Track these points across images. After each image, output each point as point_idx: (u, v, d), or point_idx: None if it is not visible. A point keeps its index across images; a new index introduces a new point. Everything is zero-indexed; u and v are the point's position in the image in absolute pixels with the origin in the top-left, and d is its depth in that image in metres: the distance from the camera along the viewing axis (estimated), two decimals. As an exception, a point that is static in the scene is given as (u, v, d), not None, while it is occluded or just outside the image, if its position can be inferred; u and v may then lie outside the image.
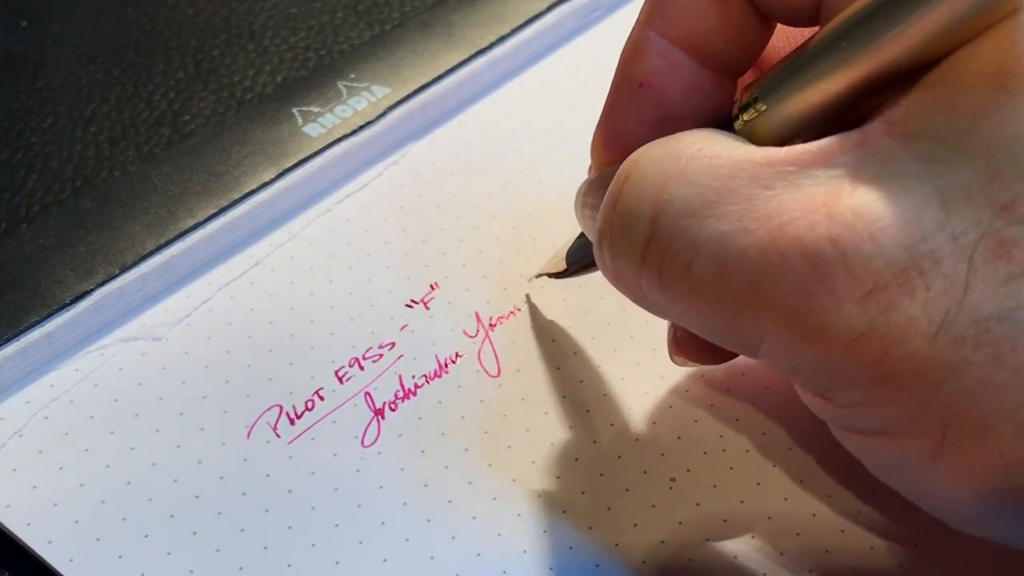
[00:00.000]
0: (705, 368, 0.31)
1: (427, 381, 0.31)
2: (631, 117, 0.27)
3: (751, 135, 0.24)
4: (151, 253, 0.33)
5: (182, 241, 0.34)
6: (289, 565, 0.27)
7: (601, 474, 0.29)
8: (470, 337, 0.33)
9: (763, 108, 0.24)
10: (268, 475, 0.29)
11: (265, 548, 0.28)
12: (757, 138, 0.24)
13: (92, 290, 0.32)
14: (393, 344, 0.32)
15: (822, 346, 0.21)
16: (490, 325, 0.33)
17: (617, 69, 0.27)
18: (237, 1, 0.45)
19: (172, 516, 0.28)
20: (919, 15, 0.21)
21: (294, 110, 0.38)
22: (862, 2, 0.22)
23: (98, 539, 0.28)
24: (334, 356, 0.32)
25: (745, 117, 0.24)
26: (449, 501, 0.29)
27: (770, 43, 0.27)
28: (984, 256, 0.20)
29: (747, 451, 0.30)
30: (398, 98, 0.38)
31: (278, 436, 0.30)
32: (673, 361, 0.30)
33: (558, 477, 0.29)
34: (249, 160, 0.36)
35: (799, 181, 0.22)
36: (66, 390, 0.31)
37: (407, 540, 0.28)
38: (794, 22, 0.26)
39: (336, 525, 0.28)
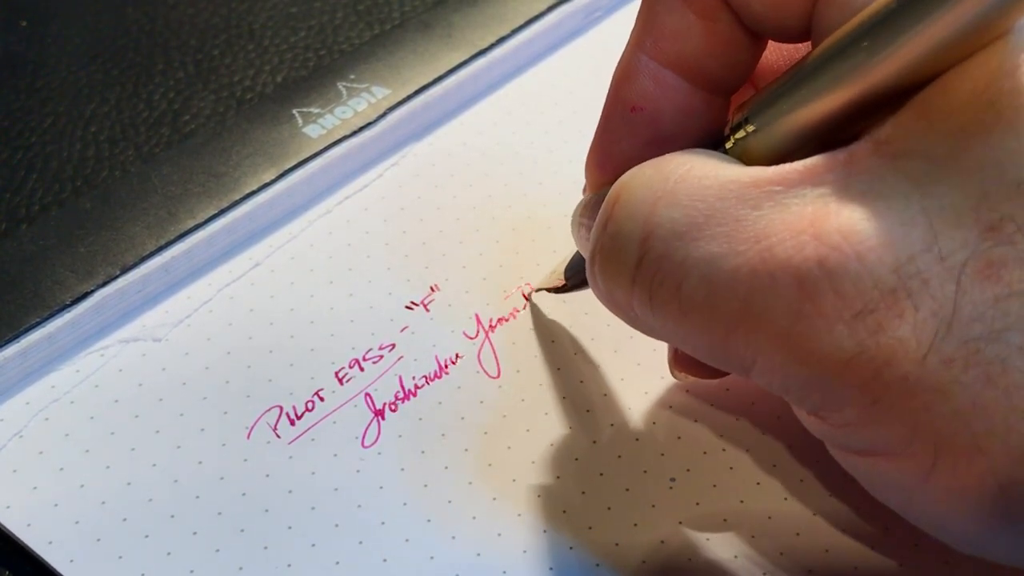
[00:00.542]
0: (694, 380, 0.31)
1: (427, 382, 0.31)
2: (624, 139, 0.27)
3: (742, 155, 0.24)
4: (151, 254, 0.33)
5: (182, 242, 0.34)
6: (289, 565, 0.27)
7: (601, 474, 0.29)
8: (470, 338, 0.33)
9: (752, 129, 0.24)
10: (268, 475, 0.29)
11: (265, 548, 0.28)
12: (748, 158, 0.24)
13: (92, 291, 0.32)
14: (393, 345, 0.32)
15: (813, 368, 0.21)
16: (490, 327, 0.33)
17: (609, 92, 0.27)
18: (237, 1, 0.45)
19: (172, 516, 0.28)
20: (908, 37, 0.21)
21: (294, 111, 0.38)
22: (852, 24, 0.22)
23: (98, 539, 0.28)
24: (334, 357, 0.32)
25: (736, 137, 0.24)
26: (449, 501, 0.29)
27: (764, 58, 0.27)
28: (972, 277, 0.20)
29: (747, 451, 0.30)
30: (398, 99, 0.38)
31: (278, 437, 0.30)
32: (674, 376, 0.30)
33: (558, 477, 0.29)
34: (249, 161, 0.36)
35: (786, 201, 0.22)
36: (66, 391, 0.31)
37: (407, 540, 0.28)
38: (784, 38, 0.26)
39: (336, 525, 0.28)
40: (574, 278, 0.31)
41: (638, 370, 0.32)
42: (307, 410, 0.31)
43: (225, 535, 0.28)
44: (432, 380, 0.31)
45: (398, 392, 0.31)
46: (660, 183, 0.23)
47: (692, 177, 0.23)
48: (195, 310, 0.33)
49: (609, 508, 0.28)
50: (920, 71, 0.21)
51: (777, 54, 0.28)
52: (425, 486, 0.29)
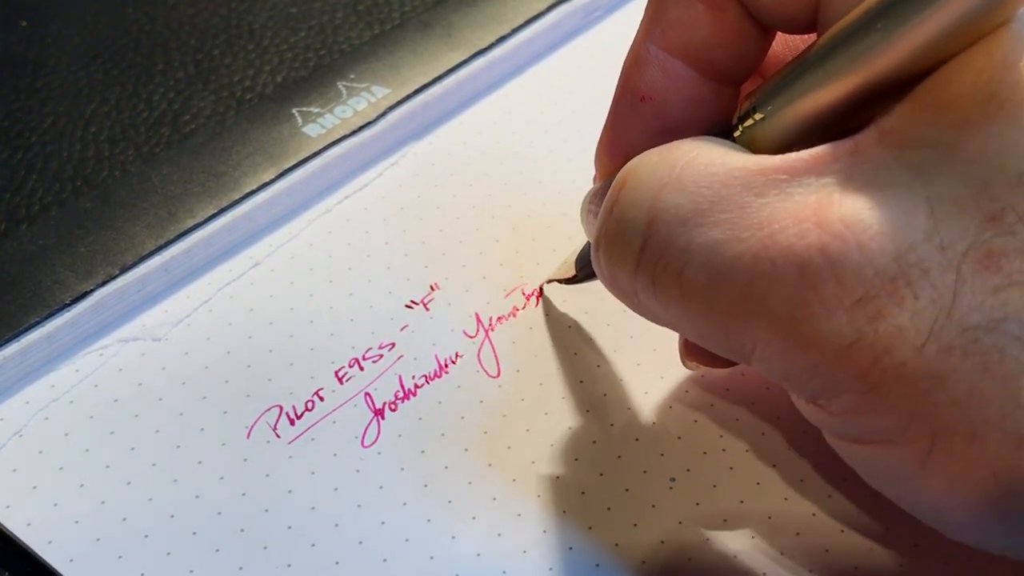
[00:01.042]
0: (706, 368, 0.31)
1: (427, 381, 0.31)
2: (633, 129, 0.27)
3: (750, 143, 0.24)
4: (151, 254, 0.33)
5: (182, 242, 0.34)
6: (289, 565, 0.27)
7: (601, 474, 0.29)
8: (470, 337, 0.33)
9: (760, 117, 0.24)
10: (268, 475, 0.29)
11: (265, 548, 0.28)
12: (755, 146, 0.24)
13: (92, 291, 0.32)
14: (393, 344, 0.32)
15: (813, 354, 0.21)
16: (490, 326, 0.33)
17: (618, 82, 0.27)
18: (237, 1, 0.45)
19: (172, 516, 0.28)
20: (911, 27, 0.21)
21: (294, 110, 0.38)
22: (855, 13, 0.22)
23: (98, 539, 0.28)
24: (334, 357, 0.32)
25: (744, 126, 0.25)
26: (449, 501, 0.29)
27: (773, 50, 0.27)
28: (972, 266, 0.21)
29: (747, 451, 0.30)
30: (398, 98, 0.38)
31: (278, 436, 0.30)
32: (685, 365, 0.30)
33: (558, 477, 0.29)
34: (249, 160, 0.36)
35: (791, 190, 0.22)
36: (66, 390, 0.31)
37: (407, 540, 0.28)
38: (791, 29, 0.26)
39: (336, 525, 0.28)
40: (585, 269, 0.31)
41: (638, 370, 0.32)
42: (307, 410, 0.31)
43: (225, 535, 0.28)
44: (432, 379, 0.31)
45: (398, 391, 0.31)
46: (666, 169, 0.23)
47: (698, 164, 0.23)
48: (195, 309, 0.33)
49: (609, 508, 0.28)
50: (923, 59, 0.21)
51: (786, 46, 0.28)
52: (425, 486, 0.29)
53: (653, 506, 0.28)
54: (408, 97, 0.38)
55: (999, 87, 0.21)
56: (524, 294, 0.34)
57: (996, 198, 0.21)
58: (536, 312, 0.33)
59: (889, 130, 0.22)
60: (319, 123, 0.37)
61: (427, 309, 0.33)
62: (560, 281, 0.33)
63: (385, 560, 0.27)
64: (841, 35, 0.22)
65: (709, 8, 0.26)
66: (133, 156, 0.39)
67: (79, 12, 0.44)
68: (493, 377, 0.32)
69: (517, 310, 0.33)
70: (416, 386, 0.31)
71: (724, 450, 0.30)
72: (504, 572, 0.27)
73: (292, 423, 0.30)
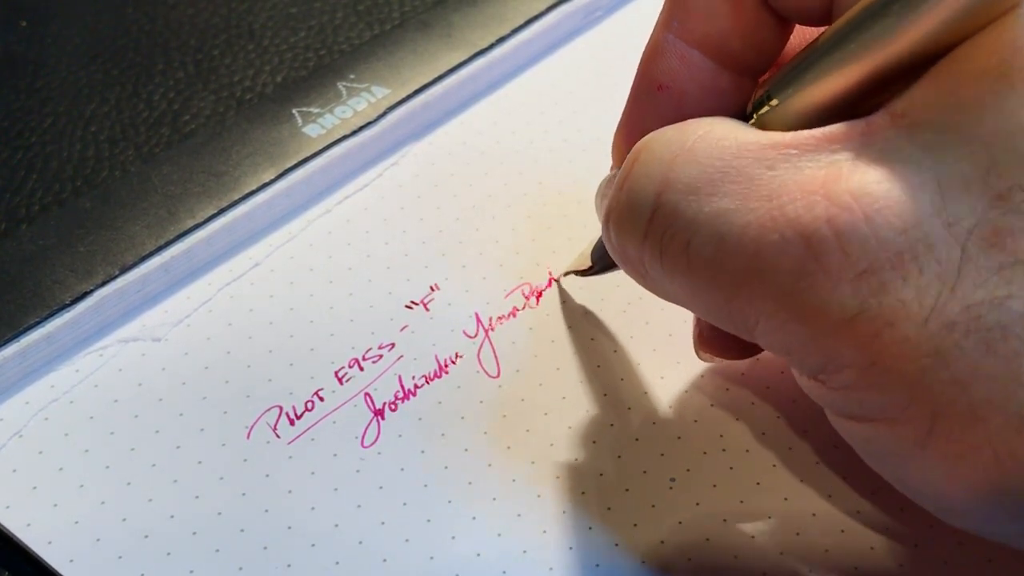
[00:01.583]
0: (706, 367, 0.31)
1: (427, 382, 0.31)
2: (650, 117, 0.27)
3: (763, 128, 0.25)
4: (151, 254, 0.33)
5: (182, 242, 0.34)
6: (289, 565, 0.27)
7: (601, 474, 0.29)
8: (470, 338, 0.33)
9: (775, 104, 0.24)
10: (268, 475, 0.29)
11: (265, 548, 0.28)
12: (769, 131, 0.24)
13: (92, 291, 0.32)
14: (393, 345, 0.32)
15: (815, 326, 0.22)
16: (490, 326, 0.33)
17: (637, 71, 0.28)
18: (237, 1, 0.45)
19: (172, 516, 0.28)
20: (922, 11, 0.21)
21: (294, 110, 0.38)
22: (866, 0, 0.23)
23: (98, 539, 0.28)
24: (334, 357, 0.32)
25: (758, 113, 0.25)
26: (449, 501, 0.29)
27: (791, 43, 0.27)
28: (977, 244, 0.21)
29: (747, 451, 0.30)
30: (398, 99, 0.38)
31: (278, 436, 0.30)
32: (699, 357, 0.30)
33: (558, 477, 0.29)
34: (249, 160, 0.36)
35: (801, 164, 0.22)
36: (66, 391, 0.31)
37: (407, 540, 0.28)
38: (808, 21, 0.26)
39: (336, 525, 0.28)
40: (602, 260, 0.31)
41: (638, 370, 0.32)
42: (307, 410, 0.31)
43: (225, 535, 0.28)
44: (432, 380, 0.31)
45: (398, 392, 0.31)
46: (679, 142, 0.24)
47: (711, 137, 0.24)
48: (195, 310, 0.33)
49: (609, 508, 0.28)
50: (935, 44, 0.22)
51: (804, 40, 0.28)
52: (425, 486, 0.29)
53: (653, 506, 0.28)
54: (408, 97, 0.38)
55: (1009, 68, 0.21)
56: (524, 294, 0.34)
57: (1004, 176, 0.21)
58: (536, 312, 0.33)
59: (901, 112, 0.22)
60: (319, 123, 0.37)
61: (427, 309, 0.33)
62: (577, 273, 0.33)
63: (385, 560, 0.27)
64: (853, 22, 0.23)
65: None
66: (133, 156, 0.39)
67: (79, 12, 0.44)
68: (493, 377, 0.32)
69: (517, 310, 0.33)
70: (416, 386, 0.31)
71: (724, 450, 0.30)
72: (504, 572, 0.27)
73: (292, 423, 0.30)
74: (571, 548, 0.28)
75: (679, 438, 0.30)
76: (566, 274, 0.34)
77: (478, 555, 0.28)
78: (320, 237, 0.35)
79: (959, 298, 0.21)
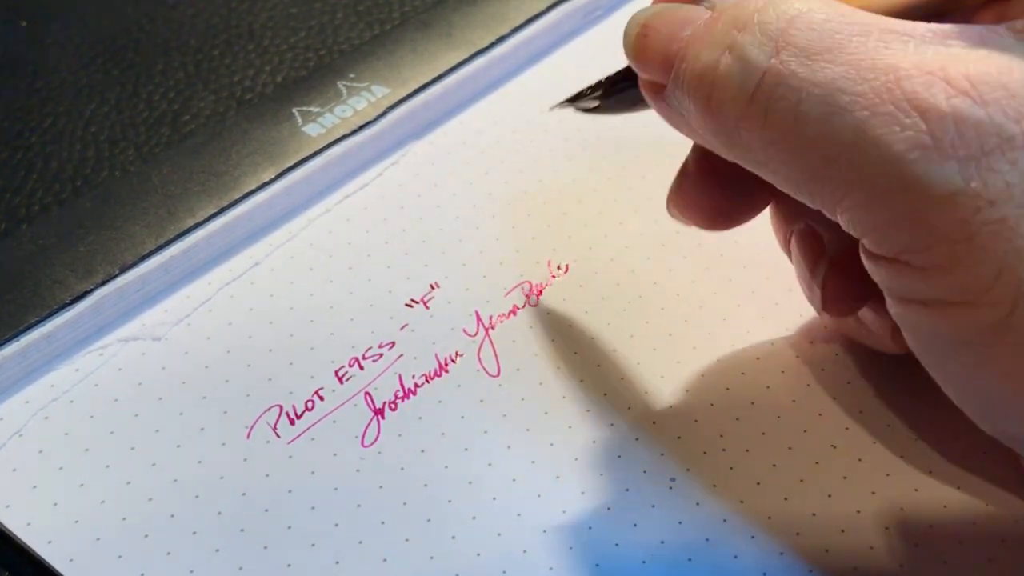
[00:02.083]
0: (707, 366, 0.31)
1: (427, 381, 0.31)
2: None
3: None
4: (151, 253, 0.33)
5: (182, 241, 0.34)
6: (289, 565, 0.27)
7: (601, 474, 0.29)
8: (470, 336, 0.33)
9: None
10: (268, 475, 0.29)
11: (265, 548, 0.28)
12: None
13: (92, 290, 0.32)
14: (393, 344, 0.32)
15: (915, 200, 0.22)
16: (490, 324, 0.33)
17: None
18: (237, 1, 0.45)
19: (172, 516, 0.28)
20: None
21: (294, 110, 0.38)
22: None
23: (98, 539, 0.28)
24: (334, 356, 0.32)
25: None
26: (448, 501, 0.29)
27: None
28: None
29: (747, 451, 0.30)
30: (398, 98, 0.38)
31: (278, 436, 0.30)
32: (669, 212, 0.30)
33: (558, 477, 0.29)
34: (249, 160, 0.36)
35: (920, 48, 0.23)
36: (66, 390, 0.31)
37: (407, 540, 0.28)
38: None
39: (336, 525, 0.28)
40: (612, 95, 0.30)
41: (638, 370, 0.31)
42: (307, 409, 0.31)
43: (225, 535, 0.28)
44: (432, 379, 0.31)
45: (398, 391, 0.31)
46: (799, 8, 0.24)
47: (828, 8, 0.24)
48: (195, 309, 0.33)
49: (609, 508, 0.28)
50: None
51: None
52: (425, 485, 0.29)
53: (653, 506, 0.28)
54: (408, 96, 0.38)
55: None
56: (525, 293, 0.34)
57: None
58: (537, 311, 0.33)
59: (1020, 28, 0.23)
60: (319, 123, 0.37)
61: (427, 308, 0.33)
62: (580, 109, 0.32)
63: (385, 560, 0.27)
64: None
65: None
66: (133, 156, 0.39)
67: (79, 12, 0.44)
68: (493, 376, 0.31)
69: (517, 309, 0.33)
70: (416, 385, 0.31)
71: (724, 450, 0.30)
72: (504, 572, 0.27)
73: (292, 423, 0.30)
74: (571, 548, 0.28)
75: (679, 438, 0.30)
76: (563, 104, 0.33)
77: (478, 555, 0.28)
78: (320, 236, 0.35)
79: None
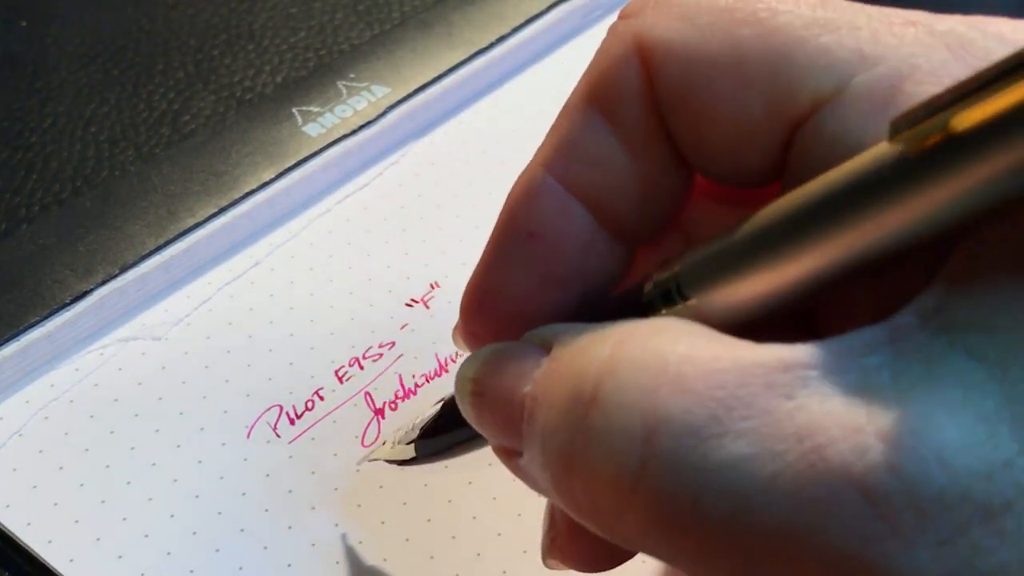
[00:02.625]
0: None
1: (427, 380, 0.31)
2: (515, 271, 0.23)
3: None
4: (151, 253, 0.33)
5: (182, 241, 0.34)
6: (289, 565, 0.27)
7: (601, 473, 0.29)
8: (470, 336, 0.32)
9: (693, 303, 0.20)
10: (268, 475, 0.29)
11: (265, 548, 0.28)
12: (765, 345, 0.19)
13: (92, 290, 0.32)
14: (393, 343, 0.32)
15: None
16: (490, 324, 0.33)
17: (503, 211, 0.23)
18: (237, 1, 0.45)
19: (172, 516, 0.28)
20: (960, 175, 0.16)
21: (294, 110, 0.38)
22: (855, 164, 0.18)
23: (98, 539, 0.28)
24: (334, 356, 0.32)
25: (668, 310, 0.20)
26: (449, 501, 0.29)
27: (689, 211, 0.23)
28: None
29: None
30: (398, 98, 0.38)
31: (278, 436, 0.30)
32: (545, 564, 0.25)
33: (558, 476, 0.29)
34: (249, 160, 0.36)
35: (827, 389, 0.17)
36: (66, 390, 0.31)
37: (407, 540, 0.28)
38: (738, 180, 0.21)
39: (336, 525, 0.28)
40: (427, 448, 0.26)
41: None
42: (307, 409, 0.31)
43: (225, 535, 0.28)
44: (432, 378, 0.31)
45: (398, 391, 0.31)
46: (658, 365, 0.18)
47: (699, 358, 0.18)
48: (195, 309, 0.33)
49: (610, 507, 0.28)
50: (965, 215, 0.17)
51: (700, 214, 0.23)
52: (425, 485, 0.29)
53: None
54: (408, 96, 0.38)
55: None
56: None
57: None
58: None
59: (933, 310, 0.17)
60: (319, 122, 0.37)
61: (427, 307, 0.33)
62: (391, 462, 0.27)
63: (385, 560, 0.27)
64: (852, 182, 0.17)
65: (629, 147, 0.21)
66: (133, 156, 0.39)
67: (79, 12, 0.44)
68: (493, 376, 0.31)
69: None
70: (416, 385, 0.31)
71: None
72: (504, 572, 0.27)
73: (292, 423, 0.30)
74: (572, 547, 0.28)
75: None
76: (372, 459, 0.29)
77: (478, 555, 0.28)
78: (320, 236, 0.35)
79: None
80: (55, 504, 0.28)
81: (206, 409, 0.31)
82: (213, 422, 0.30)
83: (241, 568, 0.27)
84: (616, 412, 0.18)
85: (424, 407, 0.27)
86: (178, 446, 0.30)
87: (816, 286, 0.18)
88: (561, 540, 0.25)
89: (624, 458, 0.18)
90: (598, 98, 0.22)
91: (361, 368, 0.32)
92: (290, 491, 0.29)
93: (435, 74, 0.39)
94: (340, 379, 0.31)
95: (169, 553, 0.27)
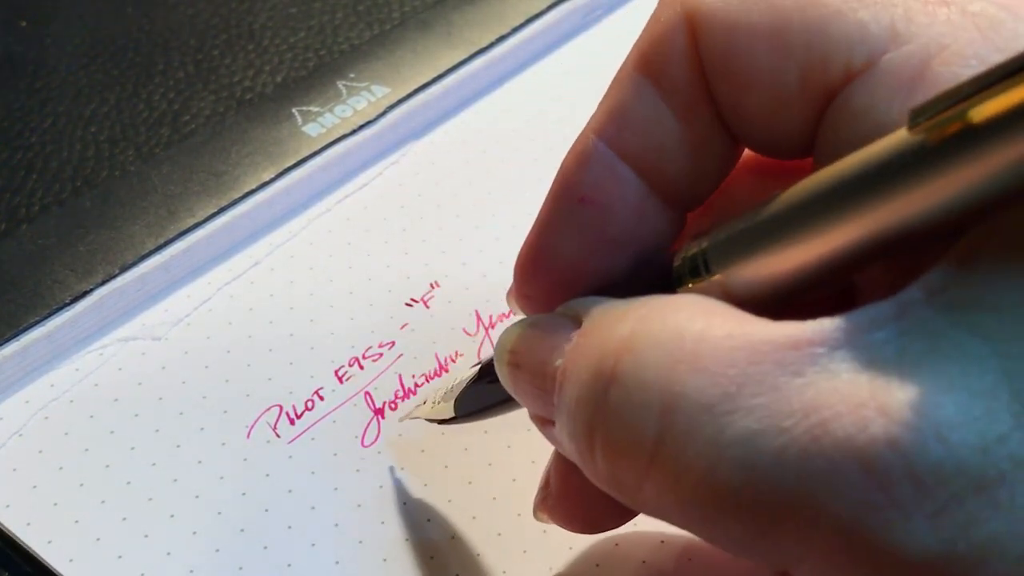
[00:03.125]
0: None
1: (427, 380, 0.31)
2: (567, 235, 0.24)
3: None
4: (151, 253, 0.33)
5: (182, 241, 0.34)
6: (289, 565, 0.27)
7: (601, 473, 0.29)
8: (470, 336, 0.33)
9: (718, 278, 0.21)
10: (268, 475, 0.29)
11: (265, 548, 0.28)
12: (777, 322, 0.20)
13: (92, 290, 0.32)
14: (393, 343, 0.32)
15: (885, 569, 0.18)
16: (490, 324, 0.33)
17: (556, 177, 0.24)
18: (237, 1, 0.45)
19: (172, 516, 0.28)
20: (972, 162, 0.17)
21: (294, 110, 0.38)
22: (874, 149, 0.18)
23: (98, 539, 0.28)
24: (334, 356, 0.32)
25: (693, 283, 0.21)
26: (449, 501, 0.29)
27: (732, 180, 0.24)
28: None
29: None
30: (398, 97, 0.38)
31: (278, 436, 0.30)
32: (535, 517, 0.27)
33: (558, 476, 0.29)
34: (249, 160, 0.36)
35: (834, 366, 0.18)
36: (66, 390, 0.31)
37: (407, 540, 0.28)
38: (775, 151, 0.22)
39: (336, 525, 0.28)
40: (466, 407, 0.27)
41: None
42: (307, 409, 0.31)
43: (225, 535, 0.28)
44: (432, 378, 0.31)
45: (398, 391, 0.31)
46: (675, 342, 0.19)
47: (714, 337, 0.19)
48: (195, 309, 0.33)
49: (609, 507, 0.28)
50: (978, 202, 0.17)
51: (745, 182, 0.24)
52: (425, 485, 0.29)
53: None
54: (408, 96, 0.38)
55: None
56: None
57: None
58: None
59: (940, 289, 0.18)
60: (319, 122, 0.37)
61: (427, 307, 0.33)
62: (433, 420, 0.28)
63: (385, 560, 0.27)
64: (874, 163, 0.18)
65: (676, 112, 0.22)
66: (133, 156, 0.39)
67: (79, 12, 0.44)
68: (493, 376, 0.31)
69: (517, 309, 0.33)
70: (416, 385, 0.31)
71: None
72: (504, 572, 0.27)
73: (292, 423, 0.30)
74: (571, 548, 0.28)
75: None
76: (412, 417, 0.29)
77: (478, 555, 0.28)
78: (320, 236, 0.35)
79: None
80: (55, 504, 0.28)
81: (206, 409, 0.31)
82: (213, 422, 0.30)
83: (241, 568, 0.27)
84: (635, 389, 0.20)
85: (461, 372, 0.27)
86: (178, 446, 0.30)
87: (838, 267, 0.19)
88: (552, 500, 0.26)
89: (642, 433, 0.19)
90: (648, 65, 0.22)
91: (361, 368, 0.32)
92: (290, 491, 0.29)
93: (435, 74, 0.39)
94: (340, 379, 0.31)
95: (169, 553, 0.27)
